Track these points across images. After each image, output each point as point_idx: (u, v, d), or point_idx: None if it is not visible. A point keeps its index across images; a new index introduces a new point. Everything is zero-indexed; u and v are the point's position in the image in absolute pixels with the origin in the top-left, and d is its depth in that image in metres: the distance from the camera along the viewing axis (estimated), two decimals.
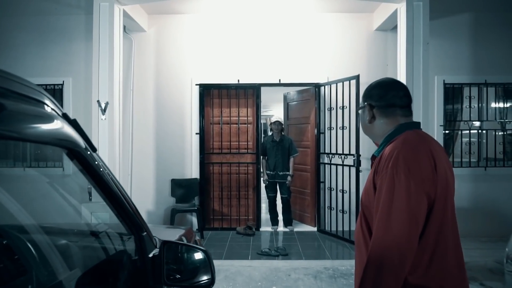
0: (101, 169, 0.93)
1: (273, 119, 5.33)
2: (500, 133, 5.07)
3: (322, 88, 5.16)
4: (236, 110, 5.33)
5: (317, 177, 5.21)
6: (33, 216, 1.17)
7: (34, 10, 4.95)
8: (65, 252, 1.10)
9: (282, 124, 5.30)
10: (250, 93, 5.32)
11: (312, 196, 5.34)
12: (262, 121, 8.81)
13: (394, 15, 4.35)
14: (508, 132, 5.08)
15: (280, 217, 5.39)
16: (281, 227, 5.36)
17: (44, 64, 4.95)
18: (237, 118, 5.33)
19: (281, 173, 5.19)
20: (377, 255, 1.05)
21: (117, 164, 4.16)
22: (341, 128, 4.75)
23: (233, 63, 5.20)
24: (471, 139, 5.00)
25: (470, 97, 4.94)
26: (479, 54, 4.92)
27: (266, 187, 5.34)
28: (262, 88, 5.32)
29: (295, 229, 5.27)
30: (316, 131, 5.23)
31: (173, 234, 1.73)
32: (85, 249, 1.22)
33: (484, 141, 5.06)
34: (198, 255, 1.23)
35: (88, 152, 0.87)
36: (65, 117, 0.79)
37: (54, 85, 4.96)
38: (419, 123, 1.27)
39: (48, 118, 0.72)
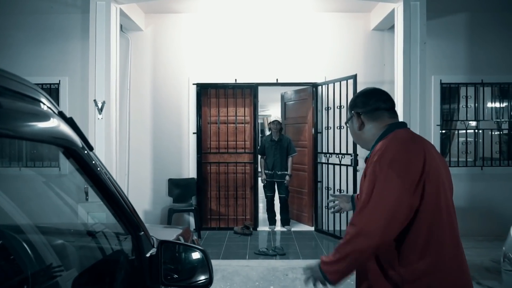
0: (98, 168, 0.92)
1: (272, 119, 5.32)
2: (496, 133, 5.10)
3: (320, 87, 5.16)
4: (233, 109, 5.32)
5: (314, 177, 5.21)
6: (29, 216, 1.16)
7: (30, 9, 4.92)
8: (62, 252, 1.09)
9: (281, 124, 5.30)
10: (248, 93, 5.31)
11: (310, 196, 5.34)
12: (259, 121, 8.80)
13: (391, 15, 4.36)
14: (504, 131, 5.11)
15: (278, 217, 5.39)
16: (278, 227, 5.36)
17: (40, 63, 4.92)
18: (235, 117, 5.33)
19: (279, 172, 5.19)
20: (350, 245, 1.12)
21: (114, 163, 4.14)
22: (338, 127, 4.75)
23: (230, 62, 5.19)
24: (468, 139, 5.02)
25: (466, 96, 4.96)
26: (475, 54, 4.94)
27: (264, 186, 5.34)
28: (260, 88, 5.32)
29: (293, 229, 5.27)
30: (313, 130, 5.23)
31: (170, 234, 1.73)
32: (82, 249, 1.21)
33: (481, 140, 5.08)
34: (196, 255, 1.22)
35: (85, 151, 0.86)
36: (61, 115, 0.78)
37: (50, 84, 4.93)
38: (406, 123, 1.34)
39: (44, 116, 0.71)
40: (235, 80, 5.20)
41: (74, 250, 1.17)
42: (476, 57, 4.94)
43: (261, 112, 11.22)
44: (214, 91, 5.30)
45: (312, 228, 5.28)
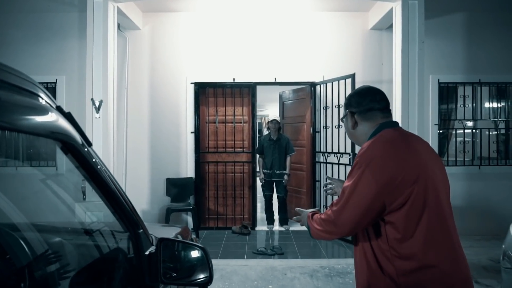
0: (97, 164, 0.91)
1: (270, 118, 5.31)
2: (493, 132, 5.11)
3: (318, 87, 5.16)
4: (231, 109, 5.31)
5: (312, 176, 5.21)
6: (27, 215, 1.14)
7: (27, 7, 4.89)
8: (60, 250, 1.08)
9: (279, 123, 5.29)
10: (246, 92, 5.30)
11: (308, 195, 5.34)
12: (257, 120, 8.79)
13: (389, 14, 4.36)
14: (502, 131, 5.12)
15: (276, 216, 5.38)
16: (276, 226, 5.35)
17: (37, 61, 4.89)
18: (233, 117, 5.31)
19: (277, 172, 5.18)
20: (325, 225, 1.28)
21: (112, 163, 4.12)
22: (336, 127, 4.75)
23: (228, 61, 5.18)
24: (465, 138, 5.04)
25: (464, 96, 4.98)
26: (473, 53, 4.96)
27: (262, 186, 5.33)
28: (258, 88, 5.31)
29: (291, 228, 5.26)
30: (311, 130, 5.23)
31: (169, 232, 1.71)
32: (81, 247, 1.19)
33: (478, 140, 5.10)
34: (196, 253, 1.21)
35: (83, 147, 0.84)
36: (59, 110, 0.77)
37: (47, 83, 4.90)
38: (397, 122, 1.36)
39: (42, 110, 0.70)
40: (233, 79, 5.18)
41: (73, 249, 1.16)
42: (474, 57, 4.96)
43: (259, 112, 11.21)
44: (212, 90, 5.29)
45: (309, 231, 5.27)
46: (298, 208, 1.55)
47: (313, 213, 1.42)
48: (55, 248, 1.08)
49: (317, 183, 5.15)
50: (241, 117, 5.32)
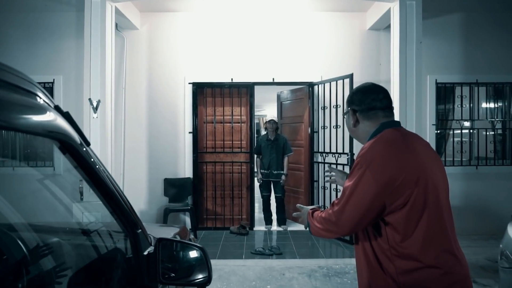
0: (95, 164, 0.90)
1: (268, 118, 5.31)
2: (491, 132, 5.13)
3: (316, 87, 5.16)
4: (229, 109, 5.30)
5: (310, 176, 5.21)
6: (24, 215, 1.14)
7: (24, 7, 4.87)
8: (58, 251, 1.07)
9: (277, 123, 5.29)
10: (244, 92, 5.30)
11: (306, 195, 5.34)
12: (255, 121, 8.79)
13: (387, 15, 4.37)
14: (499, 131, 5.14)
15: (274, 217, 5.38)
16: (274, 226, 5.35)
17: (34, 61, 4.86)
18: (231, 117, 5.31)
19: (275, 172, 5.18)
20: (325, 223, 1.29)
21: (109, 163, 4.11)
22: (334, 127, 4.76)
23: (226, 61, 5.18)
24: (463, 138, 5.05)
25: (461, 96, 4.99)
26: (470, 54, 4.98)
27: (260, 186, 5.32)
28: (256, 88, 5.31)
29: (289, 228, 5.26)
30: (309, 130, 5.23)
31: (167, 233, 1.71)
32: (79, 247, 1.19)
33: (476, 140, 5.12)
34: (194, 253, 1.21)
35: (82, 146, 0.84)
36: (57, 109, 0.77)
37: (44, 83, 4.87)
38: (399, 122, 1.35)
39: (40, 109, 0.69)
40: (231, 79, 5.18)
41: (71, 249, 1.16)
42: (471, 57, 4.97)
43: (257, 112, 11.21)
44: (210, 90, 5.28)
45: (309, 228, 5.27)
46: (299, 205, 1.55)
47: (314, 210, 1.42)
48: (53, 249, 1.07)
49: (315, 183, 5.15)
50: (239, 117, 5.32)
